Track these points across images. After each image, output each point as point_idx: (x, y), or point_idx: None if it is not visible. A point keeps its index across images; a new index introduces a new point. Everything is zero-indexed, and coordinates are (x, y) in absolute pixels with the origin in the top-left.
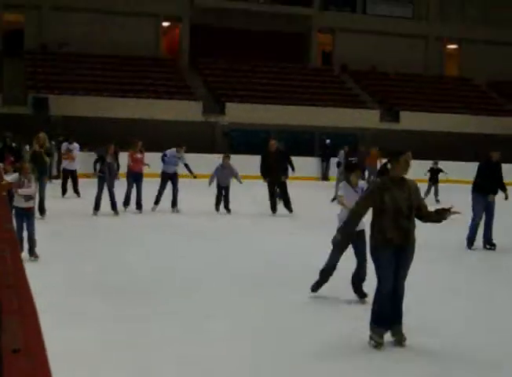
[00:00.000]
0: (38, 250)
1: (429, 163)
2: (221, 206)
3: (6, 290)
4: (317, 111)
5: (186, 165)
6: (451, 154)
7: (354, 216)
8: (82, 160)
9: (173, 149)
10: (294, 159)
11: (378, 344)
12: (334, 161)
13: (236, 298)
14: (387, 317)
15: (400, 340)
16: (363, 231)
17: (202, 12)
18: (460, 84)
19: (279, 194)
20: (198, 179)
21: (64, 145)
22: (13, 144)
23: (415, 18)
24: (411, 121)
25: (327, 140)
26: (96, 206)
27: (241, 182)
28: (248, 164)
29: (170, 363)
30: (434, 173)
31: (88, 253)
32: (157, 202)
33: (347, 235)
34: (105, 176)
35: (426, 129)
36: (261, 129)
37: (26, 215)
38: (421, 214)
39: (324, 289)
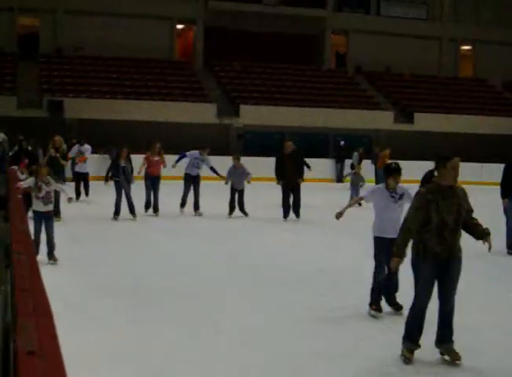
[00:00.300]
0: (55, 253)
1: None
2: (237, 209)
3: (22, 293)
4: (331, 113)
5: (212, 168)
6: (465, 155)
7: (407, 235)
8: (96, 163)
9: (196, 151)
10: (307, 161)
11: (407, 359)
12: (348, 163)
13: (247, 303)
14: (418, 333)
15: (453, 359)
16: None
17: (217, 14)
18: (475, 85)
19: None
20: (216, 181)
21: (76, 148)
22: (29, 148)
23: (429, 19)
24: (426, 122)
25: (342, 142)
26: (117, 211)
27: (249, 182)
28: (262, 166)
29: (182, 366)
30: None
31: (103, 256)
32: (183, 204)
33: (402, 257)
34: (120, 180)
35: (441, 130)
36: (276, 131)
37: (45, 218)
38: (467, 224)
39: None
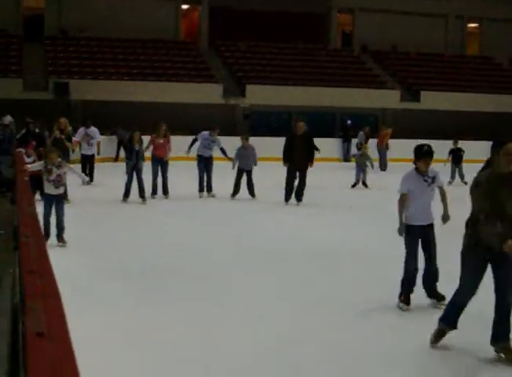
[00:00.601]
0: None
1: (450, 143)
2: (243, 191)
3: (30, 274)
4: (338, 92)
5: (222, 149)
6: (472, 133)
7: (491, 224)
8: (102, 144)
9: (206, 132)
10: (315, 140)
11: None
12: (355, 142)
13: (254, 285)
14: (454, 320)
15: (510, 358)
16: (432, 224)
17: None
18: (481, 63)
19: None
20: (224, 162)
21: (82, 130)
22: (36, 130)
23: None
24: (432, 101)
25: (349, 121)
26: (126, 194)
27: (255, 164)
28: (269, 146)
29: (193, 348)
30: (456, 154)
31: (111, 239)
32: (202, 188)
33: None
34: (132, 162)
35: (447, 108)
36: (282, 110)
37: (56, 201)
38: None
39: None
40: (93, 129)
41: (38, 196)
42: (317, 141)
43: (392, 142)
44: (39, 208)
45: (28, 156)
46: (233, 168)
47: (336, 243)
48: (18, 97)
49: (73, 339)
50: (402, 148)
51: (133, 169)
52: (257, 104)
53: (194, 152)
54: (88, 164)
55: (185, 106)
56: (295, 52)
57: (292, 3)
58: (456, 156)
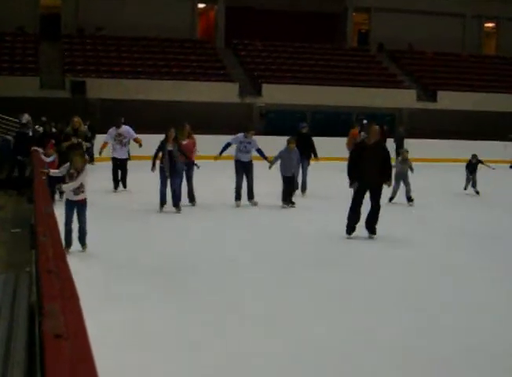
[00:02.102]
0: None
1: (466, 143)
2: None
3: (47, 275)
4: (354, 92)
5: (259, 150)
6: (489, 134)
7: None
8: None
9: (241, 134)
10: (330, 139)
11: None
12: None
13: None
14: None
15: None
16: None
17: None
18: (498, 62)
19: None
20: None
21: (112, 130)
22: (53, 130)
23: None
24: (449, 100)
25: (364, 121)
26: (162, 202)
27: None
28: (285, 145)
29: (210, 344)
30: (473, 167)
31: (130, 241)
32: (238, 196)
33: None
34: (165, 166)
35: (464, 108)
36: (298, 110)
37: (77, 207)
38: None
39: None
40: (126, 128)
41: (57, 197)
42: (332, 140)
43: (408, 142)
44: (58, 210)
45: (48, 156)
46: (270, 168)
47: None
48: (35, 96)
49: (91, 337)
50: (419, 148)
51: (166, 173)
52: (273, 103)
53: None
54: (120, 169)
55: (202, 105)
56: (311, 51)
57: (308, 2)
58: (473, 168)
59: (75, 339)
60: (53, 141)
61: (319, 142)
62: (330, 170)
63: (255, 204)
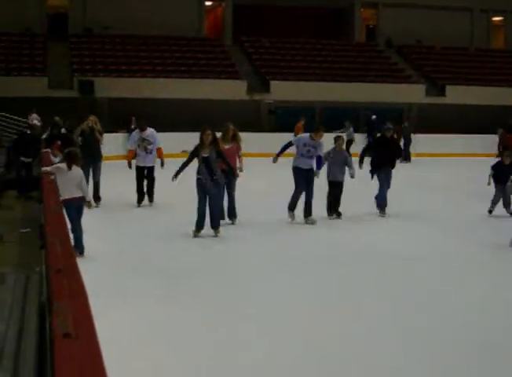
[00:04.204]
0: (86, 237)
1: (475, 137)
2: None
3: (56, 274)
4: (362, 87)
5: (319, 157)
6: (497, 128)
7: None
8: (115, 141)
9: (306, 135)
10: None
11: None
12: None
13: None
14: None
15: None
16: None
17: None
18: (506, 56)
19: None
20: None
21: (135, 134)
22: (62, 130)
23: None
24: (458, 95)
25: (373, 116)
26: (200, 226)
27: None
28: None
29: (220, 343)
30: (504, 171)
31: (140, 242)
32: (293, 206)
33: None
34: (202, 178)
35: (473, 103)
36: (307, 106)
37: (73, 206)
38: None
39: None
40: (151, 132)
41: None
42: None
43: (416, 137)
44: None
45: (55, 156)
46: (318, 177)
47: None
48: (43, 95)
49: (99, 338)
50: (427, 143)
51: (205, 187)
52: (281, 99)
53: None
54: (147, 179)
55: (210, 102)
56: (319, 47)
57: None
58: (504, 173)
59: (84, 338)
60: (59, 142)
61: (328, 138)
62: None
63: (313, 223)
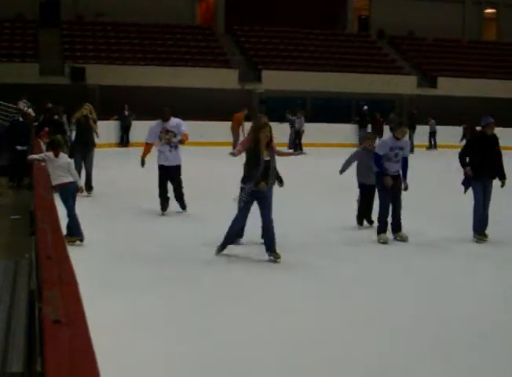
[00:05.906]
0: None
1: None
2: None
3: (46, 261)
4: (354, 78)
5: (405, 160)
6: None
7: None
8: (106, 129)
9: (388, 138)
10: (330, 125)
11: None
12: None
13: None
14: None
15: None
16: None
17: None
18: (498, 48)
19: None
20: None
21: (157, 125)
22: (55, 117)
23: None
24: (449, 86)
25: (365, 107)
26: (231, 240)
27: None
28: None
29: (211, 331)
30: None
31: (134, 230)
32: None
33: None
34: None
35: (464, 94)
36: (298, 96)
37: (67, 192)
38: None
39: None
40: (175, 122)
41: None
42: (333, 127)
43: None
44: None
45: (44, 143)
46: (341, 173)
47: None
48: (34, 82)
49: (89, 324)
50: (419, 134)
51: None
52: (273, 89)
53: None
54: (172, 183)
55: (201, 91)
56: (311, 37)
57: None
58: None
59: (74, 325)
60: (47, 129)
61: (319, 128)
62: (331, 155)
63: (405, 239)
